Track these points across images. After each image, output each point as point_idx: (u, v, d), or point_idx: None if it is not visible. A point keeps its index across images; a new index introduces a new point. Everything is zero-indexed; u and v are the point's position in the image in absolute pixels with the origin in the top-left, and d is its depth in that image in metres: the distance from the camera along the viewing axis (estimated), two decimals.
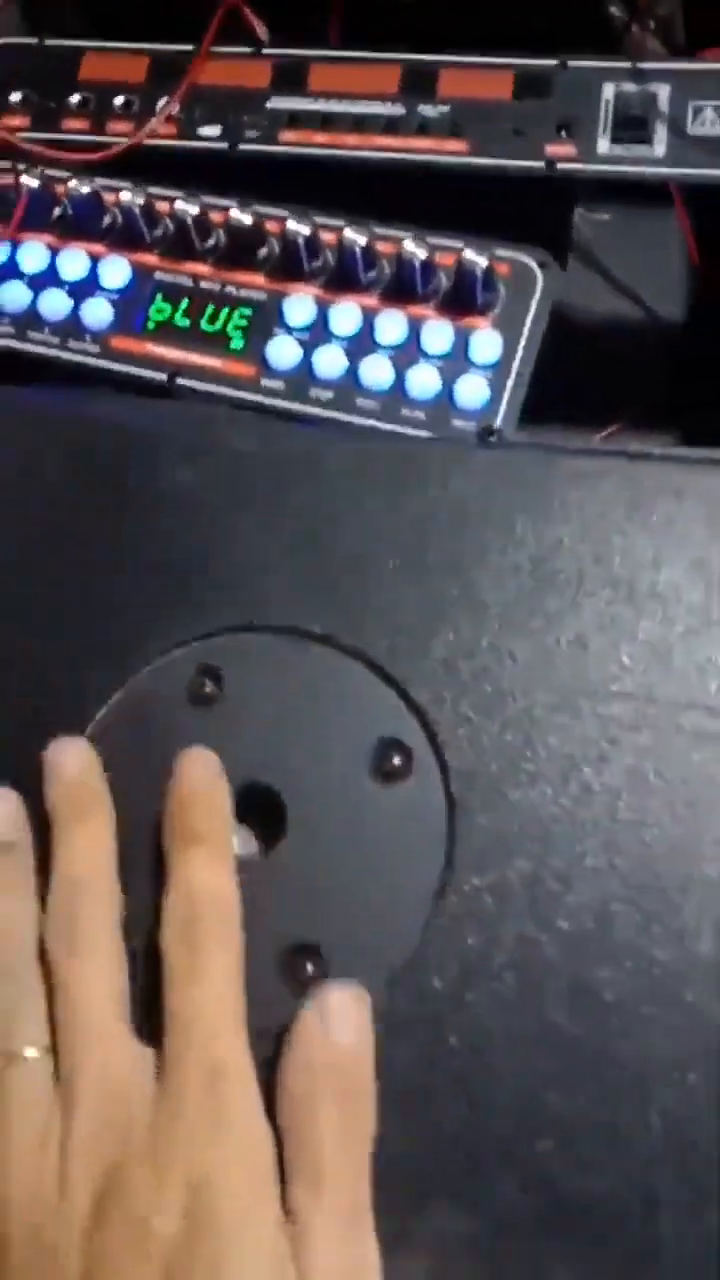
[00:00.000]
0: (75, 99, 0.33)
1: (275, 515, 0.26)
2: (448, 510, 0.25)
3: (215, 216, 0.30)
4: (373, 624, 0.25)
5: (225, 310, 0.30)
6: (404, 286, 0.29)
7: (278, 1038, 0.21)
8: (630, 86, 0.31)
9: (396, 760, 0.24)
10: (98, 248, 0.31)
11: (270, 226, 0.30)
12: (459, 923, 0.22)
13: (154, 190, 0.31)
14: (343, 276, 0.30)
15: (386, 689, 0.24)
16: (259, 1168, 0.20)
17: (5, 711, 0.25)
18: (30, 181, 0.31)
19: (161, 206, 0.31)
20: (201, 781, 0.23)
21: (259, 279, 0.30)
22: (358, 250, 0.29)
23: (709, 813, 0.22)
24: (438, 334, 0.29)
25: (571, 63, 0.31)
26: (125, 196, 0.30)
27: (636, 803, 0.23)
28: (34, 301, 0.31)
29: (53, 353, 0.31)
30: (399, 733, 0.24)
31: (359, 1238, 0.20)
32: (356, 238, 0.29)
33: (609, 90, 0.31)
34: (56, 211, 0.32)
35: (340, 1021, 0.21)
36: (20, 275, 0.31)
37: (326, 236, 0.30)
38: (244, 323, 0.30)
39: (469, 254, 0.28)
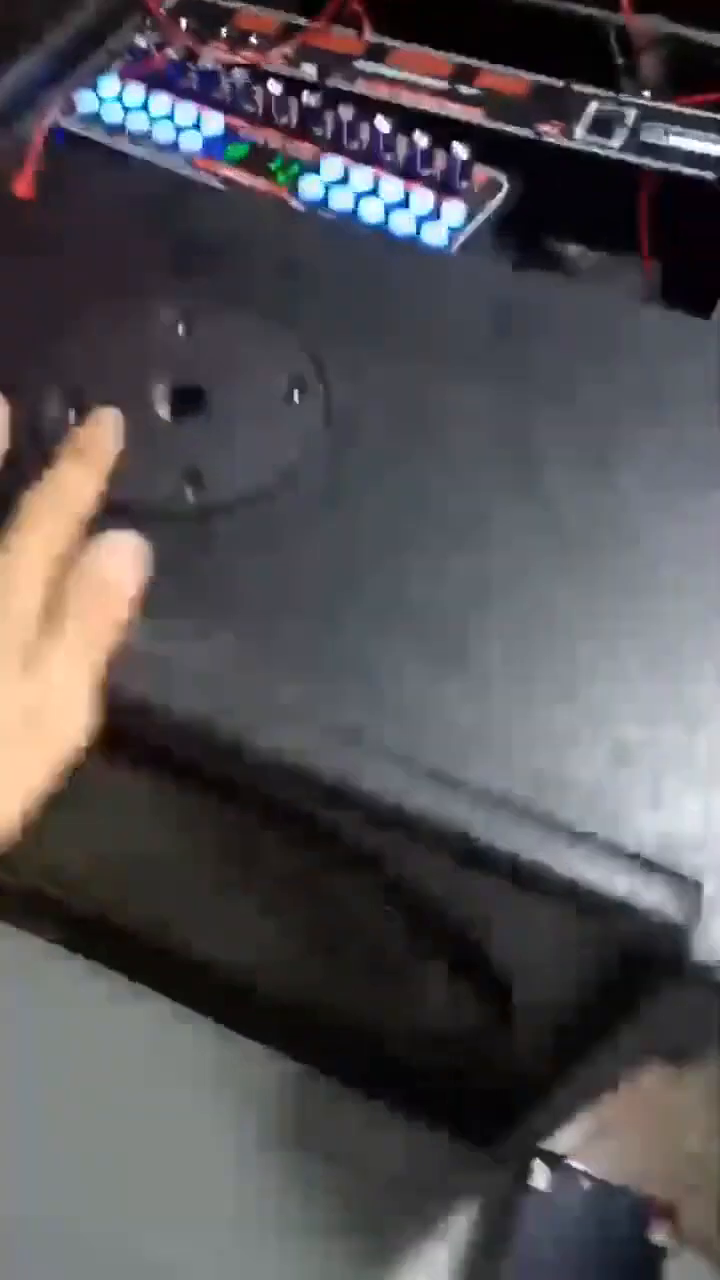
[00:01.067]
0: (224, 32, 0.47)
1: (281, 257, 0.36)
2: (404, 276, 0.36)
3: (293, 101, 0.42)
4: (312, 324, 0.34)
5: (280, 159, 0.42)
6: (409, 167, 0.41)
7: None
8: (608, 106, 0.43)
9: (297, 390, 0.33)
10: (205, 108, 0.43)
11: (327, 114, 0.42)
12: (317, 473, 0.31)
13: (253, 78, 0.43)
14: (369, 154, 0.41)
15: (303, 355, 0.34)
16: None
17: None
18: (172, 54, 0.44)
19: (257, 90, 0.43)
20: (103, 420, 0.32)
21: (310, 147, 0.42)
22: (382, 136, 0.41)
23: None
24: (423, 199, 0.40)
25: (575, 86, 0.44)
26: (235, 75, 0.43)
27: None
28: (150, 127, 0.43)
29: (153, 159, 0.42)
30: (303, 374, 0.33)
31: (79, 679, 0.28)
32: (383, 126, 0.41)
33: (593, 105, 0.43)
34: (185, 82, 0.44)
35: (112, 550, 0.29)
36: (146, 111, 0.43)
37: (363, 126, 0.41)
38: (292, 169, 0.41)
39: (456, 150, 0.40)
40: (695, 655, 0.28)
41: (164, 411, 0.33)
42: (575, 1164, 0.57)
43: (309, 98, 0.42)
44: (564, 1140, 0.59)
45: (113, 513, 0.30)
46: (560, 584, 0.29)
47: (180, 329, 0.34)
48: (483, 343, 0.34)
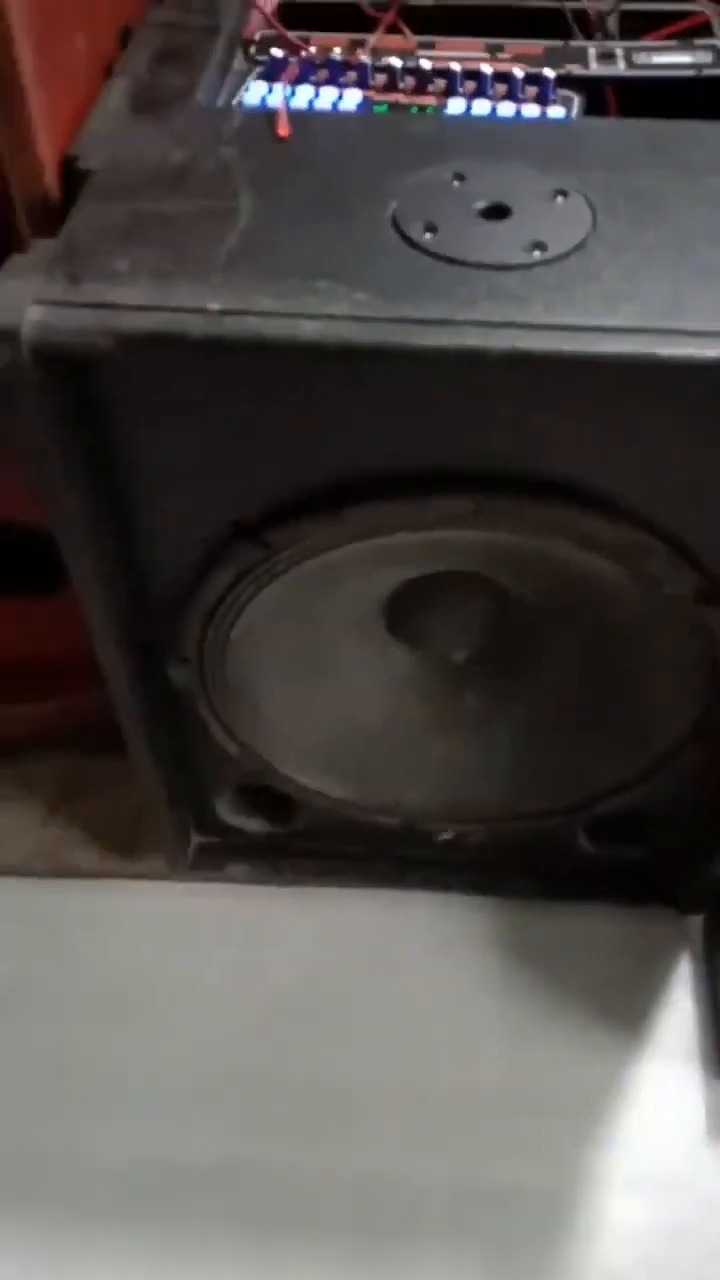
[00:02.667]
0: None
1: (478, 135, 0.53)
2: (565, 135, 0.53)
3: (410, 70, 0.59)
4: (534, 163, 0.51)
5: (416, 108, 0.59)
6: (511, 95, 0.58)
7: None
8: (605, 48, 0.63)
9: (560, 196, 0.49)
10: (342, 89, 0.59)
11: (435, 77, 0.59)
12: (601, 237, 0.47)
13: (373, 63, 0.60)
14: (478, 94, 0.59)
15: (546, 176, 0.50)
16: None
17: None
18: (306, 54, 0.60)
19: (379, 71, 0.60)
20: None
21: (432, 98, 0.59)
22: (488, 78, 0.58)
23: None
24: (532, 110, 0.58)
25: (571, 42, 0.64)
26: (357, 62, 0.60)
27: None
28: (307, 106, 0.58)
29: None
30: (557, 187, 0.49)
31: None
32: (487, 70, 0.58)
33: (593, 49, 0.63)
34: (316, 77, 0.60)
35: None
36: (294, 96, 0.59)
37: (466, 80, 0.59)
38: (429, 111, 0.58)
39: (546, 73, 0.58)
40: None
41: (486, 220, 0.48)
42: None
43: (425, 65, 0.59)
44: None
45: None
46: None
47: (456, 182, 0.50)
48: (636, 158, 0.51)
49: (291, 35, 0.63)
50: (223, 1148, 0.69)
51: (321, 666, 0.67)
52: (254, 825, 0.78)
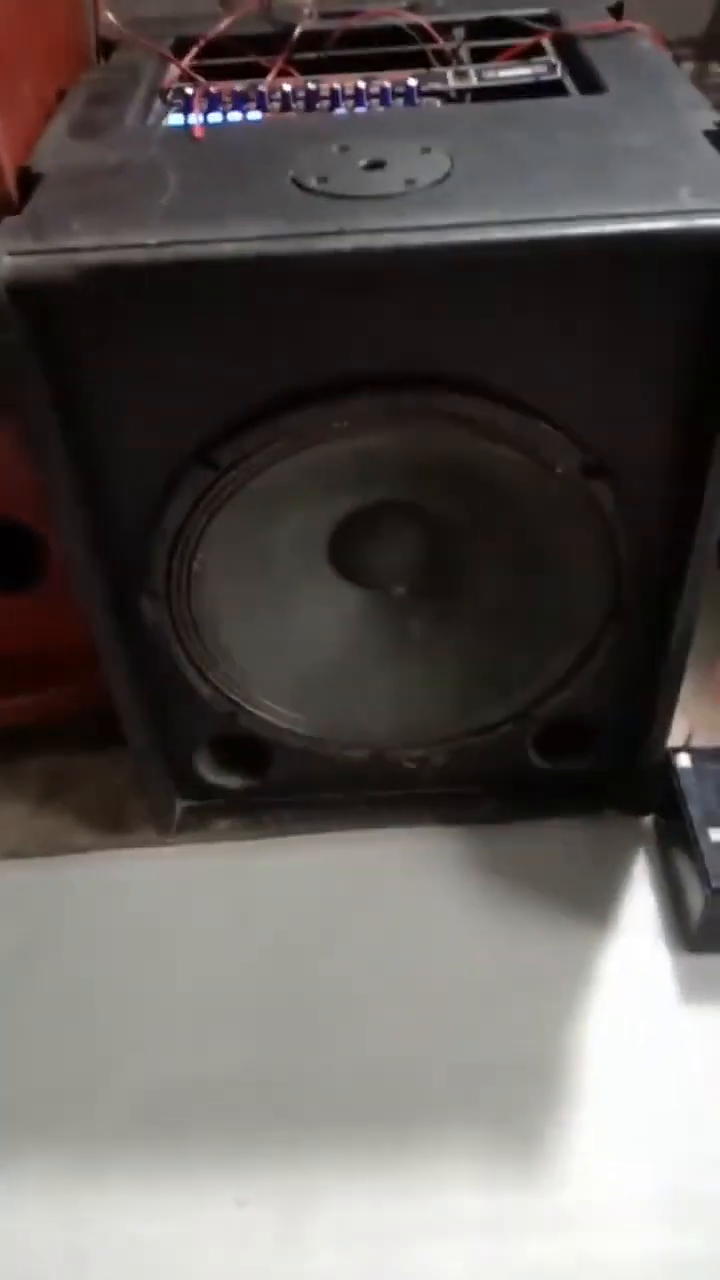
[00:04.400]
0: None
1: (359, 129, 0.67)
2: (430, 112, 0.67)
3: (300, 94, 0.74)
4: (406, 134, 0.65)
5: None
6: (385, 102, 0.73)
7: None
8: (460, 69, 0.79)
9: (425, 151, 0.63)
10: (246, 110, 0.74)
11: (321, 98, 0.74)
12: (460, 172, 0.60)
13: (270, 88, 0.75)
14: (358, 104, 0.73)
15: (412, 140, 0.64)
16: None
17: None
18: (211, 91, 0.75)
19: (275, 96, 0.74)
20: None
21: (322, 114, 0.74)
22: (365, 92, 0.73)
23: None
24: None
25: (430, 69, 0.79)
26: (256, 90, 0.74)
27: None
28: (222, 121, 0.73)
29: None
30: (424, 145, 0.63)
31: None
32: (362, 84, 0.73)
33: (450, 72, 0.79)
34: (224, 104, 0.75)
35: None
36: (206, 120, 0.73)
37: (349, 96, 0.74)
38: None
39: (410, 82, 0.73)
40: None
41: (367, 171, 0.61)
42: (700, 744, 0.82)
43: (312, 88, 0.74)
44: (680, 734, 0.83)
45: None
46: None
47: (341, 152, 0.63)
48: (486, 125, 0.65)
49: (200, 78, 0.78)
50: (237, 1061, 0.75)
51: (279, 607, 0.77)
52: (233, 782, 0.87)
